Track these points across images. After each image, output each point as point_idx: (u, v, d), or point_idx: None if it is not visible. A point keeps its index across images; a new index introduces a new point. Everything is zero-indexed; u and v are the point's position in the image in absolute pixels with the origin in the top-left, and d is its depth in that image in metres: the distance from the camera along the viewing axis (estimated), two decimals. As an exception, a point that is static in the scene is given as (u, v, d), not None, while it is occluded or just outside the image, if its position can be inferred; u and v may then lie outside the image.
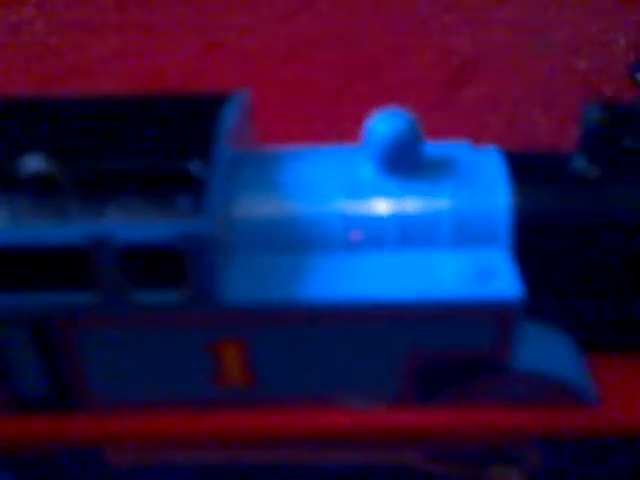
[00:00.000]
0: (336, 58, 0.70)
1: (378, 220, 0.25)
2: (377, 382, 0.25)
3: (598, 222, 0.25)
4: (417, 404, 0.25)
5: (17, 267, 0.23)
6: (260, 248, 0.25)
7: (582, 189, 0.25)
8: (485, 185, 0.25)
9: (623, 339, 0.27)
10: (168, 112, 0.25)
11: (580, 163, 0.25)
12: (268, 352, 0.25)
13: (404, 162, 0.25)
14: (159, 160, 0.23)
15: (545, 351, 0.25)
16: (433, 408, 0.25)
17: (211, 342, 0.24)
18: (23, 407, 0.26)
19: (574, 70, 0.64)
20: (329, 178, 0.25)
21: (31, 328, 0.24)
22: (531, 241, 0.25)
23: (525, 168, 0.26)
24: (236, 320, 0.24)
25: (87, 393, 0.26)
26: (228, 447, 0.27)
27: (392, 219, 0.25)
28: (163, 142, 0.24)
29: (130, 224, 0.22)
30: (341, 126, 0.61)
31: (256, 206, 0.25)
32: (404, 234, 0.25)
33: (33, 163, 0.22)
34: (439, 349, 0.24)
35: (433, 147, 0.26)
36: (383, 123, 0.25)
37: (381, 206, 0.25)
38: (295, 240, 0.25)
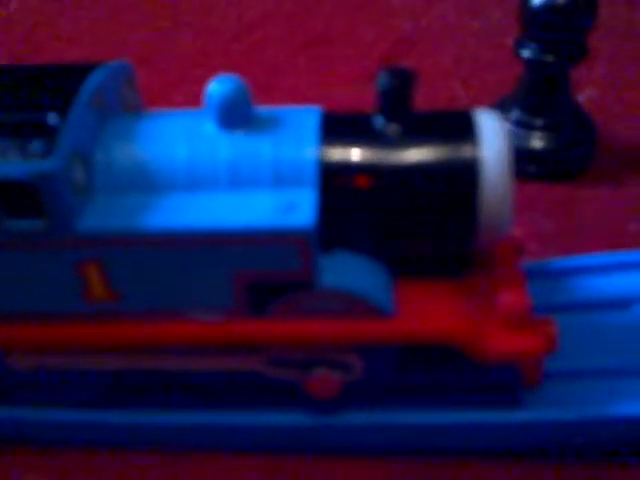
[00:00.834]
0: (286, 33, 0.75)
1: (212, 166, 0.31)
2: (215, 298, 0.31)
3: (390, 169, 0.30)
4: (248, 317, 0.31)
5: None
6: (117, 189, 0.31)
7: (379, 143, 0.31)
8: (299, 138, 0.31)
9: (421, 265, 0.32)
10: (45, 77, 0.31)
11: (379, 122, 0.31)
12: (123, 272, 0.31)
13: (235, 120, 0.31)
14: (23, 113, 0.29)
15: (351, 272, 0.31)
16: (258, 320, 0.32)
17: (76, 264, 0.30)
18: None
19: (502, 47, 0.68)
20: (177, 133, 0.32)
21: None
22: (334, 184, 0.30)
23: (336, 126, 0.31)
24: (93, 245, 0.30)
25: None
26: (103, 353, 0.34)
27: (224, 165, 0.31)
28: (33, 99, 0.30)
29: None
30: (276, 98, 0.66)
31: (115, 155, 0.31)
32: (233, 178, 0.31)
33: None
34: (258, 269, 0.30)
35: (266, 109, 0.32)
36: (216, 87, 0.30)
37: (215, 155, 0.31)
38: (145, 183, 0.31)
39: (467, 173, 0.30)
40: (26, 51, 0.73)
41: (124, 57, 0.70)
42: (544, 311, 0.34)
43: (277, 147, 0.31)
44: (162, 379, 0.36)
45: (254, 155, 0.31)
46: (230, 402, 0.36)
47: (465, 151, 0.30)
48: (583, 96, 0.60)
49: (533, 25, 0.49)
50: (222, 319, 0.32)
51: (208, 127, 0.31)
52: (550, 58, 0.49)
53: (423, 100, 0.65)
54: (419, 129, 0.31)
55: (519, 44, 0.50)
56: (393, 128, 0.31)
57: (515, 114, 0.52)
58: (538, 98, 0.51)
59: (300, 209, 0.30)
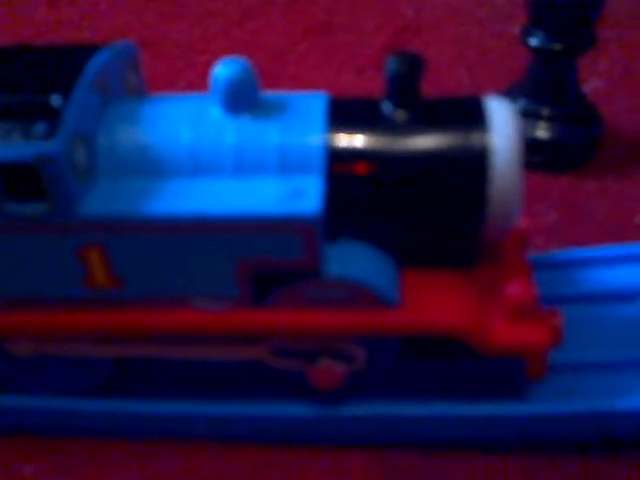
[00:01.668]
0: (287, 20, 0.74)
1: (218, 151, 0.30)
2: (218, 286, 0.31)
3: (398, 156, 0.30)
4: (251, 306, 0.31)
5: None
6: (120, 173, 0.30)
7: (387, 129, 0.30)
8: (306, 124, 0.30)
9: (428, 256, 0.32)
10: (48, 58, 0.31)
11: (388, 108, 0.30)
12: (126, 258, 0.30)
13: (241, 104, 0.30)
14: (26, 94, 0.28)
15: (356, 262, 0.31)
16: (262, 309, 0.31)
17: (78, 248, 0.30)
18: None
19: (507, 34, 0.67)
20: (182, 117, 0.31)
21: None
22: (341, 171, 0.30)
23: (343, 112, 0.31)
24: (96, 230, 0.29)
25: None
26: (104, 341, 0.33)
27: (229, 151, 0.30)
28: (36, 81, 0.29)
29: None
30: (278, 85, 0.66)
31: (119, 138, 0.31)
32: (238, 163, 0.30)
33: None
34: (262, 257, 0.30)
35: (273, 95, 0.31)
36: (222, 70, 0.30)
37: (221, 140, 0.30)
38: (149, 167, 0.30)
39: (477, 161, 0.29)
40: (27, 35, 0.72)
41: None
42: (550, 303, 0.34)
43: (283, 133, 0.30)
44: (164, 368, 0.36)
45: (260, 141, 0.30)
46: (234, 392, 0.35)
47: (475, 138, 0.29)
48: (589, 87, 0.60)
49: (541, 13, 0.48)
50: (225, 308, 0.32)
51: (213, 111, 0.31)
52: (558, 47, 0.48)
53: (428, 88, 0.65)
54: (428, 115, 0.30)
55: (526, 32, 0.50)
56: (401, 114, 0.30)
57: (522, 103, 0.52)
58: (545, 87, 0.51)
59: (306, 196, 0.29)
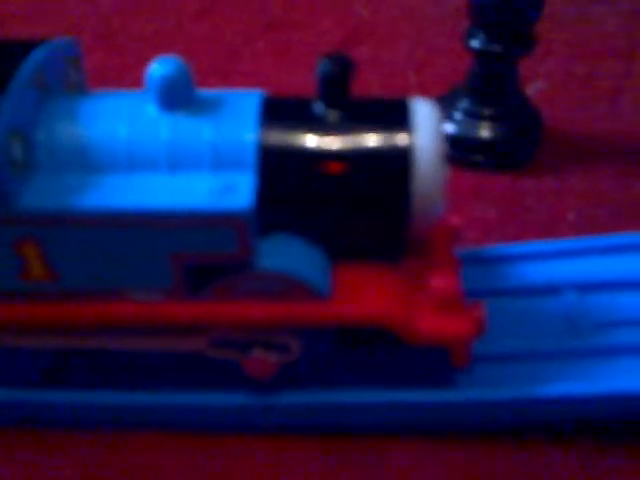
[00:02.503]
0: (244, 16, 0.75)
1: (152, 147, 0.31)
2: (154, 278, 0.32)
3: (328, 154, 0.31)
4: (186, 297, 0.32)
5: None
6: (57, 168, 0.31)
7: (318, 128, 0.31)
8: (239, 121, 0.31)
9: (359, 250, 0.33)
10: None
11: (319, 108, 0.32)
12: (62, 252, 0.31)
13: (176, 101, 0.31)
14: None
15: (288, 255, 0.32)
16: (196, 301, 0.32)
17: (14, 242, 0.30)
18: None
19: (459, 35, 0.69)
20: (118, 113, 0.32)
21: None
22: (273, 167, 0.31)
23: (276, 110, 0.32)
24: (31, 223, 0.30)
25: None
26: (43, 333, 0.34)
27: (163, 147, 0.31)
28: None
29: None
30: (234, 81, 0.67)
31: (56, 134, 0.31)
32: (173, 159, 0.31)
33: None
34: (195, 251, 0.31)
35: (209, 92, 0.32)
36: (157, 68, 0.31)
37: (155, 136, 0.31)
38: (86, 162, 0.31)
39: (401, 159, 0.31)
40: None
41: (81, 35, 0.69)
42: (478, 296, 0.36)
43: (217, 129, 0.31)
44: (103, 359, 0.37)
45: (194, 137, 0.31)
46: (171, 381, 0.36)
47: (399, 138, 0.31)
48: (533, 88, 0.62)
49: (482, 16, 0.50)
50: (161, 299, 0.33)
51: (149, 108, 0.31)
52: (497, 49, 0.50)
53: (377, 87, 0.66)
54: (357, 116, 0.32)
55: (468, 34, 0.51)
56: (332, 114, 0.32)
57: (464, 103, 0.53)
58: (486, 88, 0.52)
59: (238, 192, 0.30)
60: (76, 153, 0.31)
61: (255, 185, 0.30)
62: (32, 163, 0.31)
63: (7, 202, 0.30)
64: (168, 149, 0.31)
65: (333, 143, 0.31)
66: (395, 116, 0.31)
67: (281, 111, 0.32)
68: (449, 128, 0.53)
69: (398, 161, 0.30)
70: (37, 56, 0.32)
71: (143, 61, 0.67)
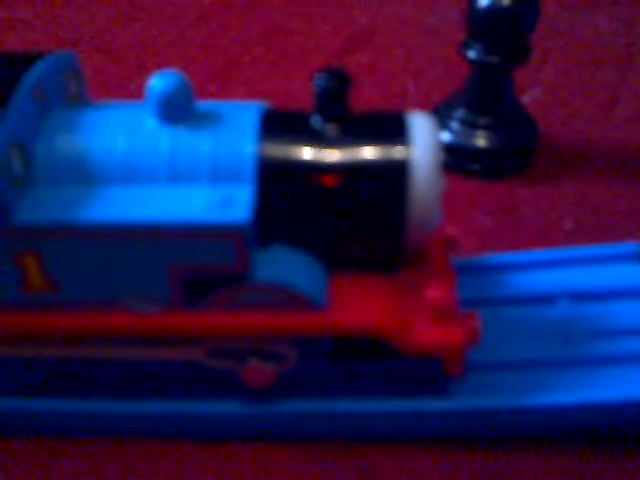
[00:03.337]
0: (243, 24, 0.75)
1: (152, 160, 0.31)
2: (152, 289, 0.32)
3: (326, 167, 0.31)
4: (184, 308, 0.32)
5: None
6: (56, 181, 0.31)
7: (316, 142, 0.32)
8: (238, 134, 0.32)
9: (356, 261, 0.34)
10: None
11: (317, 123, 0.32)
12: (61, 264, 0.31)
13: (176, 115, 0.32)
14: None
15: (285, 267, 0.32)
16: (194, 312, 0.32)
17: (14, 254, 0.31)
18: None
19: (456, 44, 0.70)
20: (118, 126, 0.32)
21: None
22: (271, 179, 0.31)
23: (276, 123, 0.32)
24: (31, 236, 0.30)
25: None
26: (42, 343, 0.34)
27: (163, 159, 0.31)
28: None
29: None
30: (233, 89, 0.67)
31: (56, 147, 0.32)
32: (172, 172, 0.31)
33: None
34: (193, 263, 0.31)
35: (208, 105, 0.33)
36: (157, 82, 0.31)
37: (155, 149, 0.31)
38: (85, 175, 0.31)
39: (398, 173, 0.31)
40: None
41: (80, 43, 0.69)
42: (473, 304, 0.36)
43: (216, 142, 0.32)
44: (101, 369, 0.37)
45: (193, 150, 0.31)
46: (168, 390, 0.37)
47: (397, 152, 0.31)
48: (528, 97, 0.62)
49: (478, 27, 0.50)
50: (159, 311, 0.33)
51: (149, 121, 0.32)
52: (494, 59, 0.50)
53: (374, 95, 0.66)
54: (355, 129, 0.32)
55: (465, 45, 0.52)
56: (330, 128, 0.32)
57: (460, 112, 0.54)
58: (482, 98, 0.53)
59: (236, 205, 0.30)
60: (75, 166, 0.31)
61: (253, 198, 0.31)
62: (32, 176, 0.31)
63: (7, 215, 0.30)
64: (167, 162, 0.31)
65: (331, 156, 0.32)
66: (392, 130, 0.31)
67: (280, 124, 0.32)
68: (446, 137, 0.54)
69: (395, 174, 0.31)
70: (38, 69, 0.32)
71: (142, 69, 0.67)
